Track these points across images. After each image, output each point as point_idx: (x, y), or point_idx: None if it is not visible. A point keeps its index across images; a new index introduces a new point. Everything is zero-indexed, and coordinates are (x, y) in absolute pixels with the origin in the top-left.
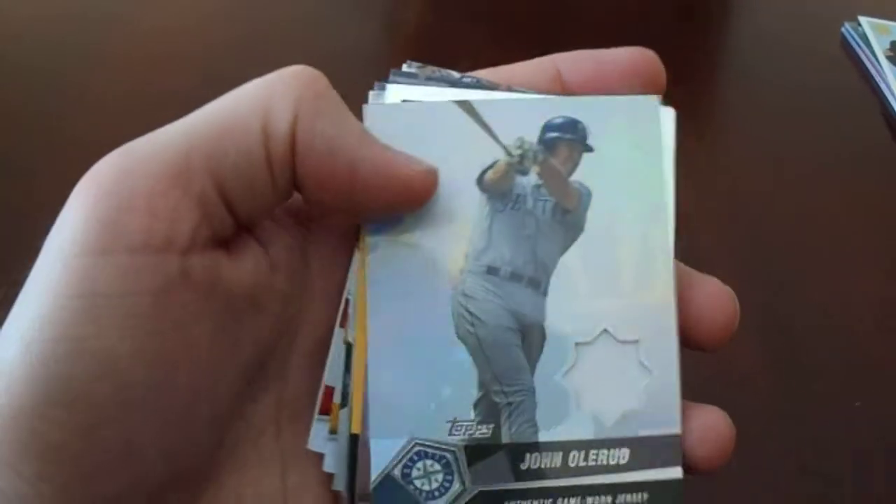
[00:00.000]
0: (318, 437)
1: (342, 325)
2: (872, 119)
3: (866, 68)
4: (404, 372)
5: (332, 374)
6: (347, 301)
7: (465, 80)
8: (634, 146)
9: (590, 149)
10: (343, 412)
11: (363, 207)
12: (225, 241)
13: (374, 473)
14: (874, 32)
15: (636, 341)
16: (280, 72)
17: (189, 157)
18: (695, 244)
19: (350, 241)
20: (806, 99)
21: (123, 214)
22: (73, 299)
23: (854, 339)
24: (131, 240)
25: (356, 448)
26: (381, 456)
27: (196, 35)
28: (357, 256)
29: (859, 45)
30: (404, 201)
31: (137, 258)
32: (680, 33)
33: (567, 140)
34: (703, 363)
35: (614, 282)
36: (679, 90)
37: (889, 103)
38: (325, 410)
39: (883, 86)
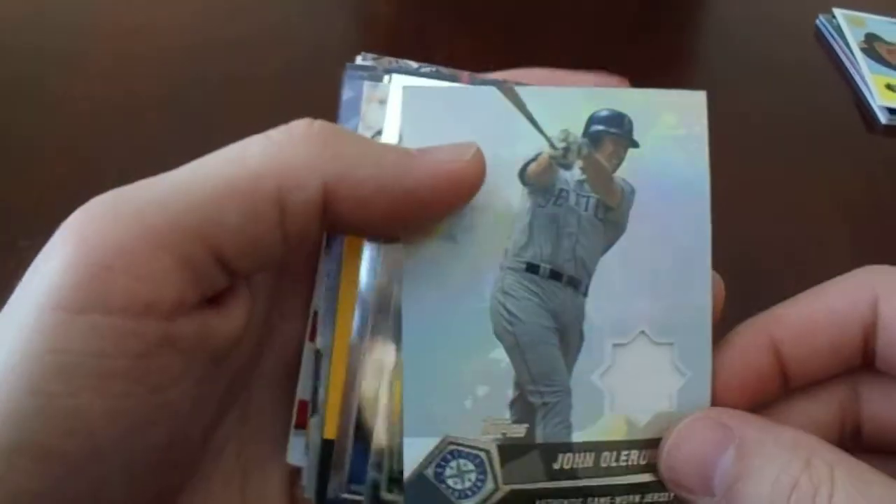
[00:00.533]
0: (296, 451)
1: (311, 338)
2: (847, 110)
3: (840, 60)
4: (439, 370)
5: (305, 387)
6: (316, 314)
7: (422, 69)
8: (680, 142)
9: (635, 144)
10: (313, 421)
11: (426, 216)
12: (216, 296)
13: (407, 472)
14: (848, 24)
15: (671, 344)
16: (288, 131)
17: (182, 220)
18: None
19: (316, 252)
20: (780, 90)
21: (104, 272)
22: (44, 354)
23: None
24: (110, 301)
25: (330, 453)
26: (414, 454)
27: (173, 36)
28: (321, 267)
29: (833, 37)
30: (463, 193)
31: (115, 320)
32: (651, 24)
33: (613, 134)
34: None
35: (653, 283)
36: (648, 84)
37: (863, 94)
38: (301, 424)
39: (857, 77)
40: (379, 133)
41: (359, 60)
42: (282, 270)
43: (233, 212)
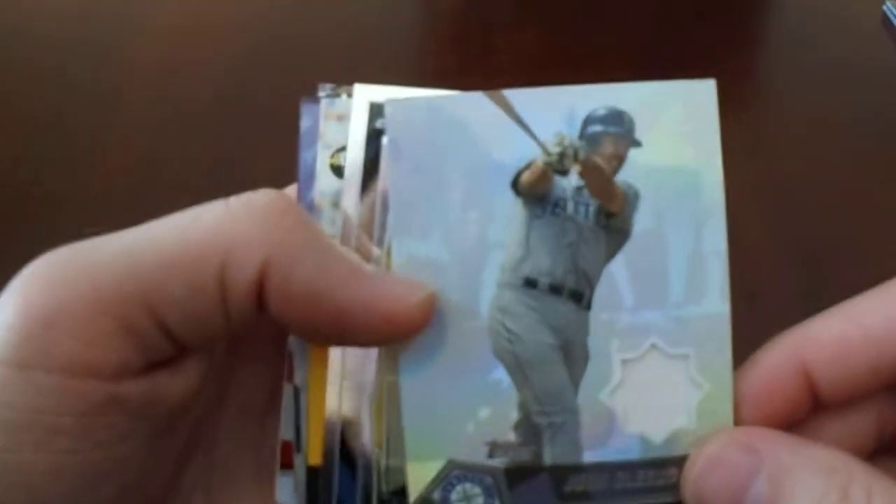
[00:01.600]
0: (284, 490)
1: (289, 379)
2: None
3: None
4: (440, 392)
5: (287, 428)
6: (291, 355)
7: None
8: (687, 138)
9: (638, 143)
10: (298, 458)
11: (352, 342)
12: (166, 360)
13: (413, 496)
14: None
15: (687, 356)
16: (247, 203)
17: (126, 286)
18: (732, 221)
19: None
20: (847, 77)
21: (46, 332)
22: None
23: None
24: (52, 360)
25: (316, 481)
26: (420, 479)
27: (234, 32)
28: None
29: None
30: (398, 335)
31: (57, 378)
32: (719, 13)
33: (612, 134)
34: (737, 346)
35: (664, 292)
36: (718, 69)
37: None
38: (287, 464)
39: None
40: (340, 150)
41: (319, 92)
42: None
43: (177, 284)
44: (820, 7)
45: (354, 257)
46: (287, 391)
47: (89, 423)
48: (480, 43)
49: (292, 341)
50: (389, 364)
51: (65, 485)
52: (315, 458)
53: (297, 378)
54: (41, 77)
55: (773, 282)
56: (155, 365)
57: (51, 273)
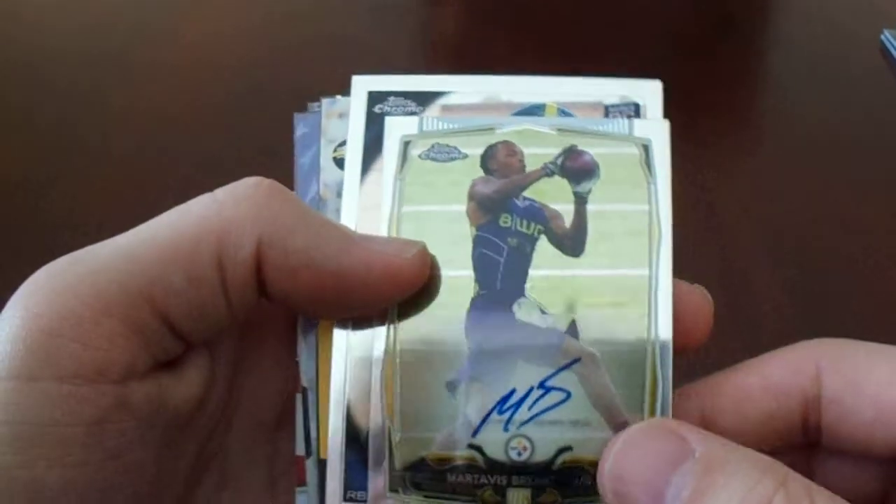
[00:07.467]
0: None
1: (299, 389)
2: None
3: None
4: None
5: (298, 442)
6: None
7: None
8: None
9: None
10: (309, 462)
11: (355, 308)
12: (171, 361)
13: None
14: None
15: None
16: (233, 190)
17: (128, 284)
18: (736, 250)
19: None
20: (846, 106)
21: (53, 340)
22: None
23: None
24: (60, 368)
25: (325, 474)
26: None
27: (238, 46)
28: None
29: None
30: (399, 292)
31: (67, 387)
32: (719, 42)
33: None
34: (736, 359)
35: None
36: (719, 99)
37: None
38: (301, 482)
39: None
40: (343, 144)
41: (309, 109)
42: (245, 330)
43: (176, 275)
44: (818, 39)
45: (345, 226)
46: (298, 403)
47: (99, 430)
48: (477, 60)
49: (300, 343)
50: (398, 333)
51: (77, 499)
52: (325, 452)
53: (304, 379)
54: (51, 91)
55: (771, 297)
56: (159, 366)
57: (51, 282)
